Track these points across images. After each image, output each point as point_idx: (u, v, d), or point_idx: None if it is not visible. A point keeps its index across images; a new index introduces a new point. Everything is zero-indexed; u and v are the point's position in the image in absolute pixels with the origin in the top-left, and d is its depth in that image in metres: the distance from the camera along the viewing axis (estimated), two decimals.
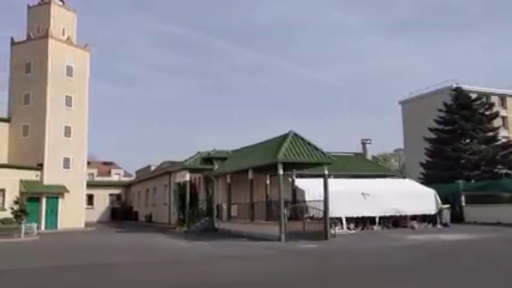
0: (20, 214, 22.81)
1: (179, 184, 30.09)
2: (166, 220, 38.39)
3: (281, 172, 20.45)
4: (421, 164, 43.02)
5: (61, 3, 34.96)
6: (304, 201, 23.02)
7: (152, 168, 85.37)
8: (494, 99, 55.66)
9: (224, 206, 27.03)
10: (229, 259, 14.71)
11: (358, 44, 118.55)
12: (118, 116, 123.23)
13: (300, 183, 24.58)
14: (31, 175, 30.43)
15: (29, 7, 34.85)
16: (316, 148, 21.39)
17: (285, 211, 20.52)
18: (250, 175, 23.36)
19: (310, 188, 23.52)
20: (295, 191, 24.51)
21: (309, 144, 21.57)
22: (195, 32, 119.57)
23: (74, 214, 32.68)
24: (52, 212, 31.29)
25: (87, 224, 34.81)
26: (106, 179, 66.89)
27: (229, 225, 25.80)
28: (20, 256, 16.49)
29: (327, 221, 20.52)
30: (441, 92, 55.87)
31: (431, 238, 20.09)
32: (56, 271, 12.34)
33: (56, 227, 31.22)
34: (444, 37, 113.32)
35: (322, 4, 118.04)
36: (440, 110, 42.89)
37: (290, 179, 24.60)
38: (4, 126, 32.79)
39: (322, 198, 21.07)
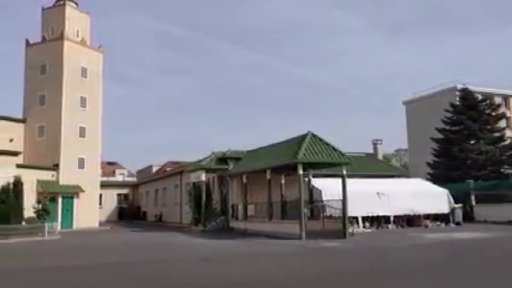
0: (43, 213, 23.20)
1: (194, 183, 30.47)
2: (177, 219, 38.86)
3: (301, 171, 20.94)
4: (428, 164, 43.48)
5: (74, 5, 35.37)
6: (322, 201, 23.46)
7: (154, 168, 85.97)
8: (498, 100, 56.17)
9: (240, 206, 27.46)
10: (257, 256, 15.13)
11: (356, 44, 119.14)
12: (117, 116, 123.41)
13: (316, 182, 25.02)
14: (47, 175, 30.82)
15: (43, 9, 35.27)
16: (334, 148, 21.85)
17: (305, 210, 20.97)
18: (268, 175, 23.83)
19: (327, 187, 23.98)
20: (311, 190, 24.94)
21: (327, 144, 22.03)
22: (192, 32, 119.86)
23: (89, 213, 33.13)
24: (68, 212, 31.70)
25: (99, 224, 35.29)
26: (112, 178, 67.30)
27: (246, 224, 26.21)
28: (55, 254, 16.94)
29: (345, 220, 20.96)
30: (445, 93, 56.47)
31: (448, 236, 20.54)
32: (104, 268, 12.79)
33: (71, 226, 31.65)
34: (442, 37, 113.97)
35: (321, 4, 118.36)
36: (447, 111, 43.37)
37: (306, 179, 25.02)
38: (20, 127, 33.20)
39: (338, 198, 21.53)
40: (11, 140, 31.67)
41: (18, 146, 32.16)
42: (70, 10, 34.53)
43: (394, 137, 79.91)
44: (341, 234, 20.66)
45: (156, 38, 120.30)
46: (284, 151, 23.21)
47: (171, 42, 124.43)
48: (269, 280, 10.30)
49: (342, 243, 18.50)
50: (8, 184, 22.03)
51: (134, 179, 74.42)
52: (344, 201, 21.17)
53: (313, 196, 24.85)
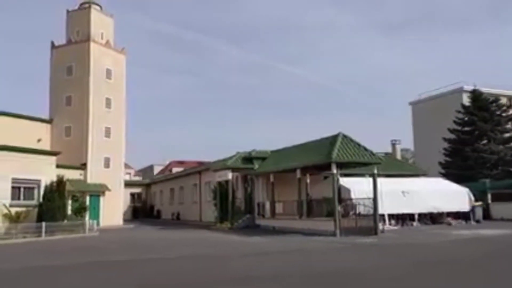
0: (81, 210, 23.99)
1: (219, 182, 31.28)
2: (196, 217, 39.72)
3: (335, 171, 21.83)
4: (440, 163, 44.44)
5: (98, 8, 36.14)
6: (350, 199, 24.34)
7: (155, 168, 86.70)
8: (503, 101, 57.17)
9: (267, 204, 28.31)
10: (306, 251, 15.95)
11: (352, 44, 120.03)
12: None
13: (344, 181, 25.88)
14: (76, 174, 31.59)
15: (68, 11, 36.01)
16: (365, 148, 22.76)
17: (339, 208, 21.86)
18: (298, 174, 24.74)
19: (355, 186, 24.87)
20: (339, 189, 25.79)
21: (358, 144, 22.94)
22: (189, 31, 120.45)
23: (114, 211, 33.95)
24: (95, 210, 32.45)
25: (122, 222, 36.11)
26: None
27: (273, 222, 27.06)
28: (112, 249, 17.74)
29: (376, 218, 21.88)
30: (451, 94, 57.42)
31: (475, 233, 21.41)
32: (177, 261, 13.63)
33: (98, 224, 32.38)
34: (439, 37, 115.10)
35: (316, 3, 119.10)
36: (459, 112, 44.35)
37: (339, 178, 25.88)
38: (46, 127, 33.97)
39: (366, 196, 22.50)
40: (39, 140, 32.45)
41: (45, 145, 32.94)
42: (95, 13, 35.31)
43: (394, 137, 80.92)
44: (373, 230, 21.55)
45: (151, 37, 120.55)
46: (315, 151, 24.09)
47: (166, 41, 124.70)
48: (344, 270, 11.17)
49: (378, 239, 19.37)
50: (52, 183, 22.80)
51: (140, 178, 75.27)
52: (375, 199, 22.09)
53: (341, 194, 25.69)
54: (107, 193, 33.29)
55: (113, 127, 34.72)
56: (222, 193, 30.67)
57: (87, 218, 25.85)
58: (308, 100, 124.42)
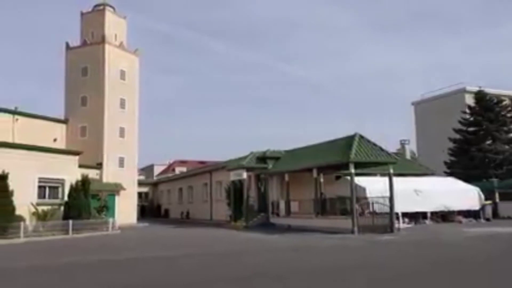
0: (103, 208, 24.59)
1: (233, 182, 31.86)
2: (206, 216, 40.26)
3: (353, 170, 22.47)
4: (445, 163, 45.18)
5: (112, 10, 36.69)
6: (365, 198, 24.98)
7: (156, 167, 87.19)
8: (506, 101, 57.95)
9: (281, 202, 28.93)
10: (332, 248, 16.59)
11: (348, 43, 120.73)
12: None
13: (359, 180, 26.49)
14: (92, 173, 32.10)
15: (82, 13, 36.55)
16: (381, 149, 23.43)
17: (356, 207, 22.51)
18: (315, 173, 25.40)
19: (369, 185, 25.52)
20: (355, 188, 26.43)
21: (374, 145, 23.61)
22: (186, 31, 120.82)
23: (128, 210, 34.50)
24: (111, 208, 32.99)
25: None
26: None
27: (288, 220, 27.65)
28: (142, 246, 18.36)
29: (393, 216, 22.59)
30: (453, 95, 58.17)
31: (490, 230, 22.03)
32: (215, 257, 14.27)
33: None
34: (436, 36, 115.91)
35: (313, 2, 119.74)
36: (464, 112, 45.11)
37: (349, 177, 26.52)
38: (62, 127, 34.52)
39: (381, 195, 23.19)
40: (55, 140, 33.02)
41: (60, 145, 33.49)
42: (109, 15, 35.88)
43: (393, 137, 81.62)
44: (389, 228, 22.25)
45: (146, 36, 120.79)
46: (332, 151, 24.74)
47: (162, 41, 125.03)
48: (379, 264, 11.83)
49: (395, 237, 20.03)
50: (77, 181, 23.36)
51: (143, 177, 75.74)
52: (391, 197, 22.80)
53: (356, 193, 26.32)
54: (122, 192, 33.83)
55: (127, 127, 35.31)
56: (236, 192, 31.25)
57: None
58: (307, 100, 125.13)
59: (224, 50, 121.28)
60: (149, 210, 54.74)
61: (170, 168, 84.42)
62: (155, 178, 69.25)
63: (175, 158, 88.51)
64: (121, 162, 34.61)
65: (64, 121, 34.73)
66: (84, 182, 23.37)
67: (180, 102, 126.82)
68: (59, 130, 34.11)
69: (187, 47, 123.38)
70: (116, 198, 33.64)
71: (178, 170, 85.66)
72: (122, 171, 34.54)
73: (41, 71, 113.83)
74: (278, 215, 29.28)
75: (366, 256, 13.90)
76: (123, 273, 11.26)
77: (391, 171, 23.10)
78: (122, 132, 34.85)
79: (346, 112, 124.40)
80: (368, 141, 23.70)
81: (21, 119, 31.34)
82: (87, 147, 33.51)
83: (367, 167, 24.90)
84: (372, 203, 23.28)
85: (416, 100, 69.39)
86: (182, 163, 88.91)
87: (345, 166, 25.07)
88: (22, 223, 19.52)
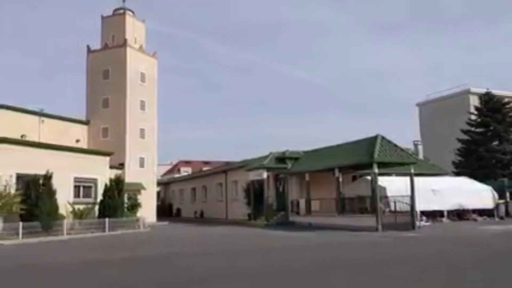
0: (134, 207, 25.49)
1: (252, 181, 32.78)
2: (221, 215, 41.12)
3: (376, 170, 23.44)
4: (453, 163, 46.24)
5: (131, 13, 37.57)
6: (386, 197, 25.93)
7: (159, 168, 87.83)
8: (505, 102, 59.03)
9: (301, 201, 29.85)
10: (358, 244, 17.39)
11: (345, 44, 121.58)
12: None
13: (380, 180, 27.42)
14: (115, 173, 32.99)
15: (103, 17, 37.42)
16: (402, 149, 24.42)
17: (381, 205, 23.48)
18: (337, 173, 26.34)
19: (389, 184, 26.47)
20: (374, 187, 27.39)
21: (395, 145, 24.59)
22: (182, 31, 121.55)
23: (148, 209, 35.31)
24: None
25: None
26: None
27: (308, 219, 28.55)
28: (183, 242, 19.26)
29: (414, 214, 23.61)
30: (457, 95, 59.28)
31: (505, 228, 23.05)
32: (255, 252, 15.20)
33: None
34: (433, 36, 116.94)
35: (310, 3, 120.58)
36: (471, 113, 46.23)
37: (369, 177, 27.50)
38: (83, 128, 35.39)
39: (399, 194, 24.23)
40: (77, 141, 33.85)
41: (82, 146, 34.33)
42: (129, 19, 36.76)
43: (394, 137, 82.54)
44: (410, 226, 23.24)
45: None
46: (353, 151, 25.69)
47: (159, 41, 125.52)
48: (418, 257, 12.79)
49: (420, 234, 20.96)
50: (111, 181, 24.25)
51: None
52: (412, 196, 23.81)
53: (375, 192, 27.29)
54: (142, 191, 34.68)
55: (147, 128, 36.20)
56: (256, 191, 32.17)
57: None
58: (307, 100, 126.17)
59: (223, 50, 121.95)
60: (161, 209, 55.47)
61: (175, 168, 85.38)
62: (159, 177, 70.06)
63: (178, 158, 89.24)
64: (142, 162, 35.50)
65: (86, 123, 35.60)
66: (118, 181, 24.26)
67: (180, 102, 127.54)
68: (81, 131, 34.96)
69: (184, 48, 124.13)
70: (138, 197, 34.50)
71: (183, 170, 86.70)
72: (143, 171, 35.41)
73: (57, 71, 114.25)
74: (298, 213, 30.19)
75: (401, 251, 14.84)
76: (186, 263, 12.15)
77: (412, 171, 24.08)
78: (142, 133, 35.75)
79: (346, 112, 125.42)
80: (389, 142, 24.67)
81: (46, 120, 32.20)
82: (108, 147, 34.30)
83: (387, 167, 25.85)
84: (395, 202, 24.22)
85: (420, 101, 70.60)
86: (187, 163, 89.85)
87: (365, 166, 26.14)
88: (64, 221, 20.41)
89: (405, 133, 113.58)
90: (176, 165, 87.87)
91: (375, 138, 24.79)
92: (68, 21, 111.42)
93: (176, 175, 72.49)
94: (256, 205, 32.16)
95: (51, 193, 20.37)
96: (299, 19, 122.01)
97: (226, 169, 42.15)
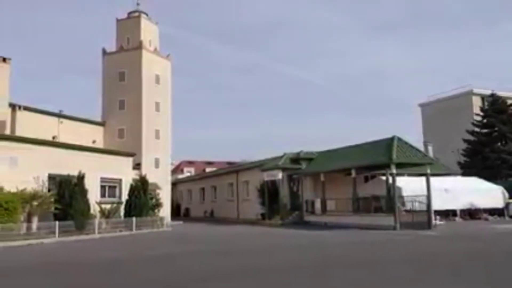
0: (156, 206, 26.13)
1: (266, 181, 33.45)
2: (232, 215, 41.75)
3: (394, 171, 24.18)
4: (459, 163, 47.10)
5: (146, 16, 38.20)
6: (401, 196, 26.68)
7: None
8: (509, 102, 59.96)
9: (317, 201, 30.54)
10: (381, 242, 18.06)
11: (343, 44, 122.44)
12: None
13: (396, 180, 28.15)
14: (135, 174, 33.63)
15: (117, 20, 38.02)
16: (418, 150, 25.18)
17: (399, 205, 24.22)
18: (354, 173, 27.07)
19: (405, 185, 27.22)
20: (390, 187, 28.14)
21: (411, 146, 25.35)
22: (183, 32, 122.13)
23: (163, 209, 35.93)
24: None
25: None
26: None
27: (324, 218, 29.21)
28: (218, 240, 19.94)
29: (430, 213, 24.32)
30: (460, 96, 60.19)
31: None
32: (287, 249, 15.90)
33: None
34: (432, 37, 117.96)
35: (308, 3, 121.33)
36: (477, 114, 47.18)
37: (384, 177, 28.24)
38: (99, 129, 36.00)
39: (415, 194, 24.99)
40: (94, 141, 34.44)
41: (99, 146, 34.93)
42: (144, 21, 37.39)
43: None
44: (427, 224, 23.99)
45: None
46: (370, 152, 26.41)
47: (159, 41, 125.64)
48: (446, 253, 13.53)
49: (438, 232, 21.67)
50: (137, 181, 24.89)
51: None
52: (428, 196, 24.53)
53: (390, 192, 28.05)
54: (158, 191, 35.30)
55: (162, 129, 36.85)
56: (271, 191, 32.84)
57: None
58: (305, 100, 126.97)
59: (224, 51, 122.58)
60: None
61: (178, 168, 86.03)
62: None
63: (180, 159, 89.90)
64: (157, 163, 36.12)
65: (102, 124, 36.20)
66: (143, 181, 24.91)
67: (181, 102, 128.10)
68: (97, 132, 35.55)
69: (182, 48, 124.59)
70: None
71: (186, 170, 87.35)
72: (157, 171, 36.02)
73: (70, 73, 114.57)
74: (312, 213, 30.88)
75: (430, 248, 15.57)
76: (231, 258, 12.83)
77: (428, 171, 24.81)
78: (157, 134, 36.38)
79: (346, 112, 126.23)
80: (406, 143, 25.42)
81: (64, 121, 32.79)
82: (124, 148, 34.89)
83: (403, 168, 26.60)
84: (412, 201, 24.97)
85: (423, 101, 71.50)
86: (190, 163, 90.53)
87: (380, 167, 26.89)
88: (96, 220, 21.05)
89: (405, 133, 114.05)
90: (179, 165, 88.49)
91: (391, 139, 25.52)
92: (75, 21, 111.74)
93: (180, 175, 73.26)
94: (272, 204, 32.82)
95: (84, 193, 20.99)
96: (299, 19, 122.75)
97: (237, 169, 42.86)
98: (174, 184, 60.66)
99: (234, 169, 43.81)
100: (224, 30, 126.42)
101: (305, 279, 9.26)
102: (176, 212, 54.93)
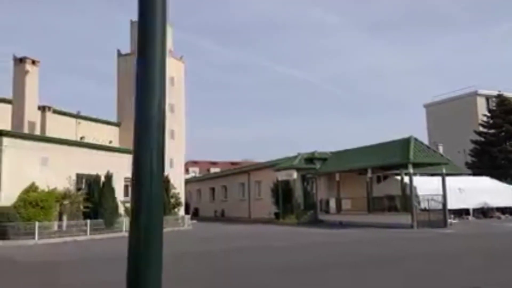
0: (176, 205, 26.68)
1: (281, 181, 34.00)
2: (243, 214, 42.27)
3: (411, 170, 24.74)
4: (466, 163, 47.71)
5: None
6: (417, 195, 27.22)
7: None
8: None
9: (331, 200, 31.11)
10: (405, 239, 18.72)
11: (343, 44, 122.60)
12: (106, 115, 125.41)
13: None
14: None
15: (132, 22, 38.47)
16: (434, 150, 25.77)
17: (415, 204, 24.78)
18: (369, 173, 27.65)
19: (420, 184, 27.76)
20: (405, 187, 28.71)
21: (427, 147, 25.94)
22: (179, 31, 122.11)
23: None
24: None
25: None
26: None
27: (339, 217, 29.75)
28: (252, 238, 20.50)
29: (446, 212, 24.91)
30: (465, 97, 60.82)
31: None
32: (327, 246, 16.45)
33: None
34: (429, 36, 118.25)
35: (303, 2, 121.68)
36: (485, 115, 47.84)
37: (399, 177, 28.81)
38: (115, 130, 36.51)
39: (430, 193, 25.57)
40: (110, 142, 34.93)
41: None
42: None
43: (392, 137, 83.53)
44: (442, 223, 24.56)
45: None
46: (386, 152, 26.96)
47: None
48: (472, 248, 14.10)
49: (454, 230, 22.26)
50: None
51: None
52: (444, 195, 25.10)
53: (405, 191, 28.60)
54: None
55: (176, 129, 37.36)
56: (285, 191, 33.38)
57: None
58: (301, 99, 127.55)
59: (222, 51, 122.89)
60: None
61: (184, 168, 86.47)
62: None
63: (185, 159, 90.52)
64: (171, 163, 36.60)
65: (117, 124, 36.70)
66: (166, 181, 25.43)
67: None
68: (113, 133, 36.06)
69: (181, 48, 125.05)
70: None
71: (191, 170, 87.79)
72: (172, 171, 36.47)
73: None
74: (327, 212, 31.43)
75: (451, 244, 16.18)
76: (280, 255, 13.38)
77: (444, 171, 25.36)
78: (172, 134, 36.86)
79: (346, 112, 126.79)
80: (422, 143, 26.01)
81: (82, 122, 33.32)
82: None
83: (419, 167, 27.15)
84: (428, 200, 25.54)
85: (428, 102, 72.10)
86: (194, 163, 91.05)
87: (396, 167, 27.46)
88: (124, 218, 21.56)
89: (405, 133, 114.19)
90: (184, 165, 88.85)
91: (408, 139, 26.07)
92: (86, 22, 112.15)
93: (185, 176, 73.61)
94: (286, 203, 33.33)
95: (112, 192, 21.52)
96: (298, 19, 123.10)
97: (249, 169, 43.41)
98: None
99: (246, 169, 44.35)
100: (221, 29, 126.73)
101: (377, 270, 9.82)
102: (185, 211, 55.53)
